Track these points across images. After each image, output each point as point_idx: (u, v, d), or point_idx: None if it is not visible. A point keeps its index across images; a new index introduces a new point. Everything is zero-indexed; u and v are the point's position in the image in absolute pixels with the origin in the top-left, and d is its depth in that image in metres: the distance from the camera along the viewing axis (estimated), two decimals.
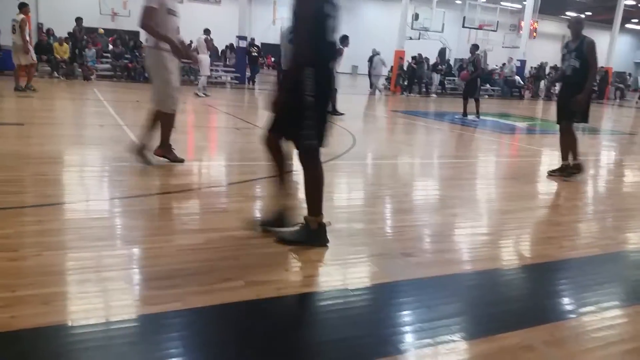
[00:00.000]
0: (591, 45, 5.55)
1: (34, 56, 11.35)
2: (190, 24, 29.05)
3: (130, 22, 27.99)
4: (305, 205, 3.21)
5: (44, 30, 19.69)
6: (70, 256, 2.84)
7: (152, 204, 3.95)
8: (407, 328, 2.35)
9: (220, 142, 7.59)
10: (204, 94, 13.48)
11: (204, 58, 13.77)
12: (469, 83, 12.32)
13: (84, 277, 2.57)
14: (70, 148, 6.17)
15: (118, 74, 17.27)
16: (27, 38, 10.89)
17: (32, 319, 2.14)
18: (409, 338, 2.26)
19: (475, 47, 12.51)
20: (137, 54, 18.04)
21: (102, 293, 2.45)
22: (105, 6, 26.86)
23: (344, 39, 11.26)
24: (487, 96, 20.94)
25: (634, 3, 31.04)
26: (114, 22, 26.77)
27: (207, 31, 14.16)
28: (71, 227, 3.31)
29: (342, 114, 10.90)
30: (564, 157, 5.88)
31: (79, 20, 17.24)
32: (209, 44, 13.96)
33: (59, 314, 2.21)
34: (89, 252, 2.89)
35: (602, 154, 9.07)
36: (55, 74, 16.18)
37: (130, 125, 7.78)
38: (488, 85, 22.96)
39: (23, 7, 10.76)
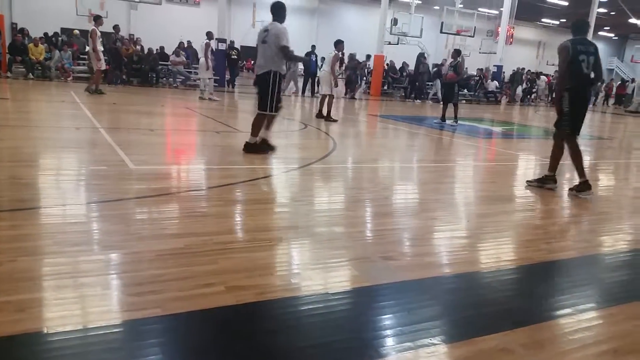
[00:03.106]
0: (559, 48, 5.34)
1: (101, 63, 12.82)
2: (168, 26, 28.92)
3: (108, 23, 27.67)
4: None
5: (18, 30, 19.32)
6: (46, 262, 2.79)
7: (130, 209, 3.90)
8: (388, 332, 2.36)
9: (199, 146, 7.53)
10: (209, 98, 13.53)
11: (204, 62, 13.66)
12: (448, 89, 12.45)
13: (60, 283, 2.52)
14: (46, 151, 6.06)
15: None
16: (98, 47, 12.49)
17: (6, 327, 2.09)
18: (389, 342, 2.27)
19: (457, 53, 12.67)
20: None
21: (79, 299, 2.41)
22: (82, 7, 26.46)
23: (338, 43, 11.30)
24: (464, 101, 21.19)
25: (605, 11, 31.80)
26: (90, 23, 26.39)
27: (208, 34, 13.82)
28: (47, 232, 3.25)
29: (335, 120, 10.97)
30: (550, 168, 5.63)
31: (116, 27, 17.40)
32: (207, 47, 13.73)
33: (35, 321, 2.16)
34: (65, 257, 2.84)
35: None
36: (30, 75, 15.88)
37: (107, 128, 7.68)
38: (465, 91, 23.25)
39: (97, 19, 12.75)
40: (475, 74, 25.29)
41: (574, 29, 5.48)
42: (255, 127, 6.43)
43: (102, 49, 12.79)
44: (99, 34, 12.41)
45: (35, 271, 2.65)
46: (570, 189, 5.56)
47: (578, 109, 5.37)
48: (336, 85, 11.38)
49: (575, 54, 5.23)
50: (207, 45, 13.56)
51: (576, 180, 5.51)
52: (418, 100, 20.56)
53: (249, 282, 2.68)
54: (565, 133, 5.49)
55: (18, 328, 2.09)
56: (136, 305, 2.35)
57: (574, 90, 5.32)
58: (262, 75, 6.25)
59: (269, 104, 6.24)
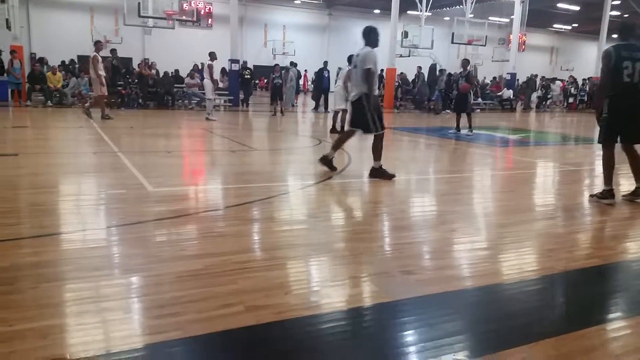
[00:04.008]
0: (602, 54, 5.20)
1: (103, 89, 12.87)
2: (182, 49, 29.39)
3: (123, 49, 28.22)
4: None
5: (37, 60, 19.76)
6: (68, 287, 2.82)
7: (149, 231, 3.93)
8: (411, 348, 2.33)
9: (215, 165, 7.59)
10: (206, 117, 13.67)
11: (207, 82, 13.85)
12: (461, 98, 12.41)
13: (83, 309, 2.54)
14: (65, 177, 6.16)
15: (112, 101, 17.29)
16: (100, 72, 12.63)
17: (31, 354, 2.11)
18: (413, 358, 2.24)
19: (466, 62, 12.64)
20: (129, 80, 18.14)
21: (101, 324, 2.43)
22: (97, 34, 27.10)
23: (351, 59, 11.33)
24: (479, 110, 21.07)
25: (618, 14, 31.55)
26: (106, 49, 26.97)
27: (210, 55, 13.94)
28: (68, 258, 3.28)
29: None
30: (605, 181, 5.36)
31: (113, 51, 17.37)
32: (210, 69, 13.86)
33: (58, 347, 2.18)
34: (86, 282, 2.87)
35: (596, 163, 9.11)
36: (49, 102, 16.21)
37: (125, 152, 7.78)
38: (480, 100, 23.13)
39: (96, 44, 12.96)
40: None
41: (621, 33, 5.25)
42: (375, 152, 6.37)
43: (105, 74, 12.95)
44: (100, 59, 12.59)
45: (57, 297, 2.68)
46: (591, 195, 5.47)
47: (616, 117, 5.16)
48: (347, 99, 11.37)
49: (619, 60, 5.03)
50: (210, 66, 13.70)
51: (597, 187, 5.42)
52: (448, 111, 20.10)
53: (268, 302, 2.68)
54: (600, 140, 5.34)
55: (41, 355, 2.11)
56: (157, 329, 2.35)
57: (614, 99, 5.13)
58: (356, 102, 6.25)
59: (372, 125, 6.20)
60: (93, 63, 12.53)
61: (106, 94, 13.15)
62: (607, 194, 5.27)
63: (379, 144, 6.35)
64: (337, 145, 6.63)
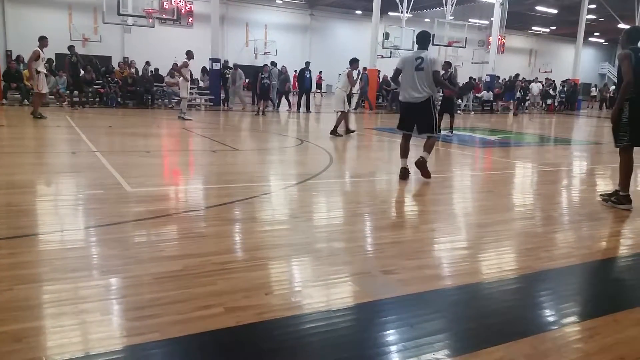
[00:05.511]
0: (620, 56, 5.15)
1: (41, 86, 12.25)
2: (163, 47, 29.08)
3: (102, 47, 27.89)
4: None
5: (13, 58, 19.37)
6: (44, 289, 2.77)
7: (128, 232, 3.88)
8: (391, 347, 2.34)
9: (196, 165, 7.53)
10: (180, 116, 13.65)
11: (181, 81, 13.80)
12: (446, 100, 12.53)
13: (59, 311, 2.50)
14: (42, 177, 6.05)
15: (90, 100, 17.06)
16: (40, 69, 12.00)
17: (3, 358, 2.06)
18: (393, 358, 2.25)
19: (448, 65, 12.76)
20: (109, 79, 17.91)
21: (79, 326, 2.38)
22: (75, 32, 26.69)
23: (354, 62, 11.46)
24: (460, 112, 21.27)
25: (594, 17, 32.17)
26: (85, 47, 26.63)
27: (187, 54, 13.82)
28: (45, 259, 3.22)
29: (340, 135, 11.03)
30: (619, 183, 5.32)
31: (71, 48, 16.89)
32: (182, 67, 13.79)
33: (33, 351, 2.14)
34: (63, 284, 2.82)
35: (573, 164, 9.27)
36: (26, 101, 15.91)
37: (103, 151, 7.68)
38: (460, 101, 23.32)
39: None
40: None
41: (631, 39, 5.19)
42: (429, 147, 6.47)
43: (45, 71, 12.44)
44: (42, 55, 12.09)
45: (33, 299, 2.63)
46: (603, 199, 5.41)
47: (638, 119, 5.11)
48: (349, 102, 11.45)
49: (637, 63, 5.01)
50: (185, 64, 13.64)
51: (575, 187, 5.49)
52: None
53: (249, 303, 2.66)
54: (623, 144, 5.23)
55: (14, 359, 2.06)
56: (135, 330, 2.32)
57: (635, 101, 5.08)
58: (424, 102, 6.28)
59: (435, 127, 6.40)
60: (30, 57, 12.10)
61: (43, 91, 12.49)
62: (624, 199, 5.22)
63: (434, 142, 6.53)
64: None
